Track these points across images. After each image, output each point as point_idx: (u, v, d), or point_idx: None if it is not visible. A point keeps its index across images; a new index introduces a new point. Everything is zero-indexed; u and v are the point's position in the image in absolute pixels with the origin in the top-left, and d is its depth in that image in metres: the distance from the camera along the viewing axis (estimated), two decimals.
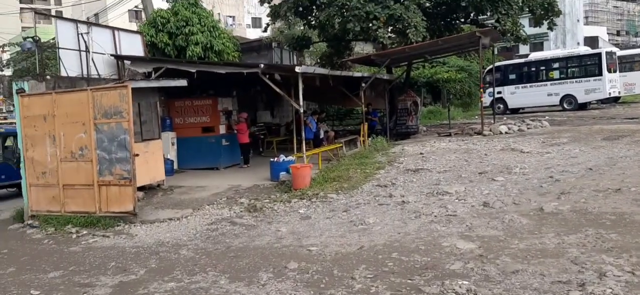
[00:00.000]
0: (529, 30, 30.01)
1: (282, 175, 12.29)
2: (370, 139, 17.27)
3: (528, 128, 16.92)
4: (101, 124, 10.63)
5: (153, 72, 14.04)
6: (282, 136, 20.04)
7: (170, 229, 9.67)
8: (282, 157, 13.02)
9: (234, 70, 13.05)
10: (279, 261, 7.09)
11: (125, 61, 14.82)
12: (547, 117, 20.54)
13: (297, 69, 11.87)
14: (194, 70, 13.14)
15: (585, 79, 27.43)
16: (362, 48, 30.36)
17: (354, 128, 22.79)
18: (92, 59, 14.13)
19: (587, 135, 14.15)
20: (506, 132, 16.34)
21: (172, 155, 15.13)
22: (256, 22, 55.37)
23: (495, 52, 42.78)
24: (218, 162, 15.43)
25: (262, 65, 12.43)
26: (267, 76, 12.57)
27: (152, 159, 12.50)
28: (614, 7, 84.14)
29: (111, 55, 14.81)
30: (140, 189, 12.10)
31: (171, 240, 8.86)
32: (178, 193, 12.39)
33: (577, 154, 11.56)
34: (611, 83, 27.18)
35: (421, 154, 13.55)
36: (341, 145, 16.26)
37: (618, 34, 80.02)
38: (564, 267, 5.61)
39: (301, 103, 12.63)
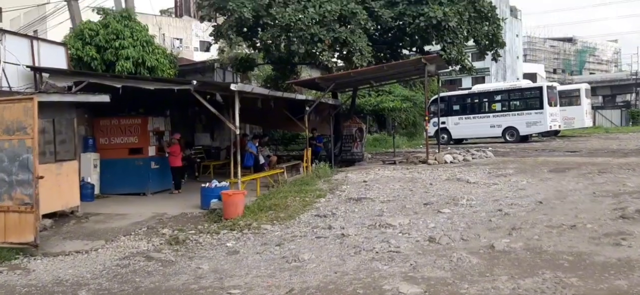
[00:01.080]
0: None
1: (213, 202, 11.17)
2: (313, 165, 16.41)
3: (473, 158, 16.53)
4: (1, 140, 9.23)
5: (74, 87, 12.69)
6: (222, 160, 18.90)
7: (74, 264, 8.34)
8: (214, 183, 11.91)
9: (163, 86, 11.91)
10: None
11: (43, 74, 13.38)
12: (490, 148, 20.31)
13: (233, 87, 10.89)
14: (119, 85, 11.91)
15: (527, 111, 27.76)
16: (309, 73, 29.77)
17: (298, 153, 21.89)
18: (3, 70, 12.63)
19: (532, 167, 13.79)
20: (451, 162, 15.85)
21: (94, 178, 13.71)
22: (204, 45, 54.08)
23: (440, 84, 43.32)
24: (146, 187, 14.11)
25: (194, 82, 11.36)
26: (205, 96, 11.54)
27: (65, 182, 11.10)
28: (551, 46, 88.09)
29: (27, 66, 13.33)
30: (50, 216, 10.72)
31: (72, 278, 7.55)
32: (94, 221, 11.02)
33: (525, 186, 11.06)
34: (552, 116, 27.60)
35: (365, 181, 12.77)
36: (282, 170, 15.29)
37: (554, 71, 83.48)
38: None
39: (237, 124, 11.62)
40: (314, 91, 19.90)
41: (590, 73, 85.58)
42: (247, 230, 9.54)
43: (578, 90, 32.64)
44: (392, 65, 16.43)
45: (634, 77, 65.63)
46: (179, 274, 7.41)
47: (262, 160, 16.80)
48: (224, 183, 11.91)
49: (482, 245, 7.21)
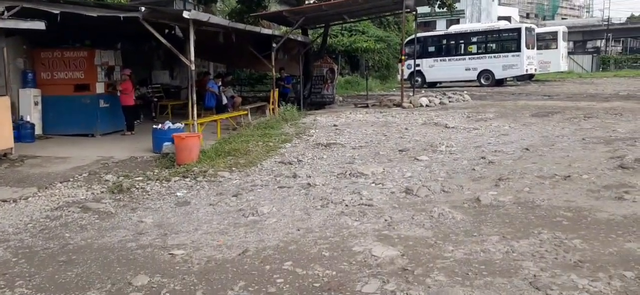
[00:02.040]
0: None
1: (166, 146, 10.01)
2: (281, 107, 15.28)
3: (449, 101, 15.67)
4: None
5: (6, 12, 11.08)
6: (183, 101, 17.54)
7: None
8: (168, 125, 10.71)
9: (107, 13, 10.44)
10: (125, 272, 4.96)
11: None
12: (466, 92, 19.47)
13: (186, 14, 9.56)
14: (57, 11, 10.37)
15: (504, 54, 26.98)
16: (278, 8, 28.10)
17: (265, 95, 20.63)
18: None
19: (513, 111, 12.99)
20: (427, 105, 14.96)
21: (35, 117, 12.32)
22: None
23: (415, 26, 42.07)
24: (94, 127, 12.79)
25: (142, 9, 9.96)
26: (160, 29, 10.16)
27: None
28: None
29: None
30: None
31: None
32: (29, 165, 9.75)
33: (507, 131, 10.22)
34: (529, 60, 26.90)
35: (335, 125, 11.76)
36: (246, 112, 14.13)
37: (528, 16, 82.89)
38: None
39: (192, 59, 10.33)
40: (282, 28, 18.51)
41: (563, 18, 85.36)
42: (202, 177, 8.48)
43: (555, 33, 31.87)
44: None
45: (605, 23, 65.53)
46: (116, 229, 6.35)
47: (224, 101, 15.57)
48: (178, 125, 10.72)
49: (466, 198, 6.31)
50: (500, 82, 27.25)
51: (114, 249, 5.67)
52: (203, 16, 10.09)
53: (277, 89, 16.47)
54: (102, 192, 8.09)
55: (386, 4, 15.85)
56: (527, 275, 4.26)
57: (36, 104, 12.40)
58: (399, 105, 14.87)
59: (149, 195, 7.82)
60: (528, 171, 7.18)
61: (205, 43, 16.90)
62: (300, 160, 8.93)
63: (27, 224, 6.72)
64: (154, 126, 10.84)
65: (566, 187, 6.41)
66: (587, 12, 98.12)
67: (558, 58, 31.22)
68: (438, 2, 18.32)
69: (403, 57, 16.48)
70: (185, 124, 10.89)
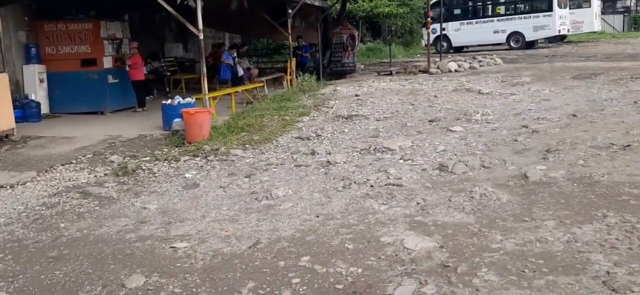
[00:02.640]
0: None
1: (176, 122, 9.31)
2: (298, 78, 14.47)
3: (480, 65, 14.64)
4: None
5: None
6: (197, 74, 16.82)
7: None
8: (178, 99, 10.02)
9: None
10: (119, 270, 4.31)
11: None
12: (495, 55, 18.33)
13: None
14: None
15: (534, 14, 25.55)
16: None
17: (283, 66, 19.80)
18: None
19: (551, 74, 11.98)
20: (456, 70, 13.99)
21: (41, 95, 11.75)
22: None
23: None
24: (103, 104, 12.18)
25: None
26: None
27: None
28: None
29: None
30: None
31: None
32: (31, 147, 9.18)
33: (548, 96, 9.28)
34: (561, 20, 25.45)
35: (356, 96, 10.93)
36: (262, 84, 13.36)
37: None
38: None
39: (200, 27, 9.55)
40: None
41: None
42: (213, 156, 7.79)
43: None
44: None
45: None
46: (116, 217, 5.70)
47: (240, 72, 14.82)
48: (188, 100, 10.02)
49: (510, 174, 5.48)
50: (530, 45, 25.91)
51: (110, 241, 5.02)
52: None
53: (295, 59, 15.64)
54: (106, 174, 7.46)
55: None
56: (598, 271, 3.45)
57: (41, 81, 11.81)
58: (425, 71, 13.93)
59: (155, 177, 7.15)
60: (579, 141, 6.29)
61: (218, 12, 16.15)
62: (319, 135, 8.16)
63: (20, 213, 6.11)
64: (164, 102, 10.15)
65: (627, 159, 5.52)
66: None
67: (591, 17, 29.53)
68: None
69: (429, 20, 15.41)
70: (197, 99, 10.18)
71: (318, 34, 17.17)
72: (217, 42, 19.48)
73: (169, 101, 10.07)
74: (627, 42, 26.36)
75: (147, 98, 13.67)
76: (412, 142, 6.96)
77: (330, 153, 7.14)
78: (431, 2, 29.75)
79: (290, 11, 14.37)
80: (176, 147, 8.62)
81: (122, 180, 7.11)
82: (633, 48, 21.28)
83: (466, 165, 5.82)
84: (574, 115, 7.52)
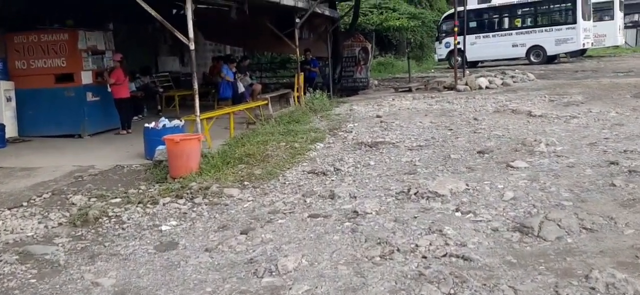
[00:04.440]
0: None
1: (159, 151, 7.56)
2: (307, 95, 12.75)
3: (514, 81, 12.89)
4: None
5: None
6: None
7: None
8: (163, 122, 8.29)
9: None
10: None
11: None
12: (517, 70, 16.55)
13: None
14: None
15: (557, 27, 23.84)
16: None
17: (289, 81, 18.08)
18: None
19: (604, 92, 10.25)
20: (487, 87, 12.26)
21: (7, 116, 10.06)
22: None
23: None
24: (80, 126, 10.45)
25: None
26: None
27: None
28: None
29: None
30: None
31: None
32: None
33: (619, 120, 7.54)
34: (585, 33, 23.71)
35: (378, 116, 9.19)
36: (266, 102, 11.62)
37: None
38: None
39: (191, 35, 7.84)
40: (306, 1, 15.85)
41: None
42: (202, 197, 6.04)
43: (611, 2, 28.31)
44: None
45: None
46: None
47: (241, 89, 13.15)
48: (176, 122, 8.28)
49: (634, 244, 3.68)
50: (552, 59, 24.22)
51: None
52: None
53: (302, 74, 13.93)
54: (61, 224, 5.71)
55: None
56: None
57: (9, 99, 10.13)
58: (451, 88, 12.23)
59: (123, 229, 5.39)
60: None
61: (218, 23, 14.53)
62: (338, 170, 6.39)
63: None
64: (146, 125, 8.41)
65: None
66: None
67: (615, 30, 27.76)
68: None
69: (456, 29, 13.70)
70: (187, 120, 8.46)
71: (328, 47, 15.48)
72: (217, 56, 17.82)
73: (152, 124, 8.33)
74: None
75: (136, 118, 12.00)
76: (467, 184, 5.17)
77: (355, 197, 5.37)
78: (444, 15, 28.28)
79: (297, 20, 12.69)
80: (157, 182, 6.89)
81: (79, 234, 5.36)
82: None
83: (559, 225, 4.03)
84: None
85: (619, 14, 28.27)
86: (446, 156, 6.37)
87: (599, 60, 24.45)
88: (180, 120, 8.38)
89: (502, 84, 12.70)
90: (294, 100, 12.71)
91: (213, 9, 12.97)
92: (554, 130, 7.11)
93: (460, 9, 27.08)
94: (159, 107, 13.82)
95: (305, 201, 5.51)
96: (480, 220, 4.32)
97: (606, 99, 9.28)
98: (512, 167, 5.68)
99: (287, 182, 6.27)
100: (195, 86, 8.08)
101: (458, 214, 4.53)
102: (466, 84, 12.34)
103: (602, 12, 28.07)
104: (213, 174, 6.76)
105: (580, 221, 4.08)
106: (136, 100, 12.47)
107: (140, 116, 12.61)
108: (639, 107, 8.38)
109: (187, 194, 6.19)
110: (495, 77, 13.21)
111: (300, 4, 12.77)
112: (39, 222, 5.74)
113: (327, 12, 14.77)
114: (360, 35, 17.13)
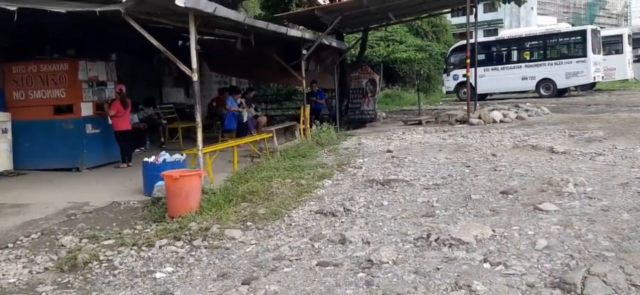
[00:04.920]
0: (482, 16, 25.68)
1: (158, 187, 7.10)
2: (313, 127, 12.34)
3: (529, 115, 12.46)
4: None
5: None
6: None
7: None
8: (163, 156, 7.87)
9: (80, 8, 7.71)
10: None
11: None
12: (528, 104, 16.09)
13: (180, 2, 6.70)
14: (13, 8, 7.69)
15: (567, 60, 23.52)
16: None
17: (295, 113, 17.70)
18: None
19: (626, 127, 9.79)
20: (501, 121, 11.80)
21: (3, 148, 9.66)
22: None
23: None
24: (78, 159, 10.05)
25: (123, 0, 7.21)
26: (153, 30, 7.44)
27: None
28: None
29: None
30: None
31: None
32: None
33: None
34: (596, 66, 23.38)
35: (389, 151, 8.73)
36: (271, 135, 11.21)
37: None
38: None
39: (195, 66, 7.47)
40: (313, 33, 15.61)
41: (601, 27, 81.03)
42: (201, 239, 5.57)
43: (620, 36, 28.08)
44: None
45: None
46: None
47: (244, 118, 12.78)
48: (177, 157, 7.86)
49: None
50: (562, 92, 23.86)
51: None
52: (207, 5, 7.23)
53: (309, 106, 13.55)
54: (47, 268, 5.24)
55: None
56: None
57: (5, 131, 9.74)
58: (464, 121, 11.79)
59: (114, 276, 4.92)
60: None
61: (223, 54, 14.24)
62: (348, 210, 5.91)
63: None
64: (145, 159, 7.98)
65: None
66: (625, 20, 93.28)
67: (624, 64, 27.44)
68: None
69: (468, 61, 13.31)
70: (189, 154, 8.04)
71: (335, 78, 15.13)
72: (223, 87, 17.53)
73: (152, 158, 7.91)
74: None
75: (138, 150, 11.63)
76: (493, 230, 4.67)
77: (368, 242, 4.88)
78: (452, 48, 28.05)
79: (304, 52, 12.37)
80: (155, 222, 6.43)
81: (66, 280, 4.90)
82: None
83: (604, 282, 3.53)
84: None
85: (627, 48, 27.99)
86: (466, 196, 5.88)
87: (610, 94, 24.04)
88: (182, 155, 7.95)
89: (516, 117, 12.25)
90: (300, 133, 12.30)
91: (219, 40, 12.71)
92: (581, 169, 6.63)
93: (470, 41, 26.97)
94: (162, 139, 13.44)
95: (313, 246, 5.03)
96: (513, 274, 3.83)
97: (629, 135, 8.81)
98: (540, 210, 5.19)
99: (293, 224, 5.79)
100: (198, 118, 7.67)
101: (486, 265, 4.03)
102: (479, 117, 11.90)
103: (611, 46, 27.79)
104: (214, 213, 6.29)
105: (628, 277, 3.58)
106: (139, 132, 12.13)
107: (143, 148, 12.24)
108: None
109: (186, 235, 5.72)
110: (509, 110, 12.77)
111: (307, 36, 12.49)
112: (24, 267, 5.28)
113: (334, 44, 14.47)
114: (367, 67, 16.82)
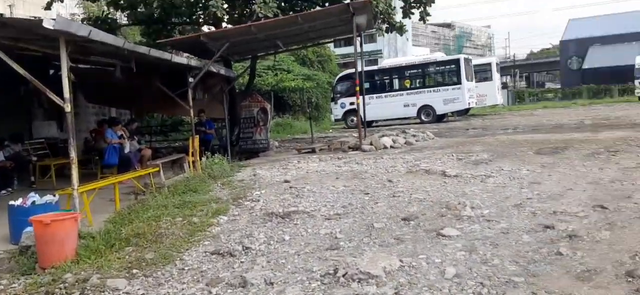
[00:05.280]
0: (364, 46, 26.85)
1: (27, 234, 6.15)
2: (203, 159, 11.70)
3: (416, 140, 12.85)
4: None
5: None
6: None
7: None
8: (32, 198, 6.89)
9: None
10: None
11: None
12: (412, 130, 16.77)
13: (48, 24, 5.94)
14: None
15: (444, 87, 25.03)
16: None
17: (183, 145, 16.83)
18: None
19: (507, 149, 10.39)
20: (392, 146, 12.01)
21: None
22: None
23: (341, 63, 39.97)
24: None
25: None
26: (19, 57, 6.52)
27: None
28: (433, 31, 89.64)
29: None
30: None
31: None
32: None
33: (534, 178, 7.41)
34: (470, 92, 25.12)
35: (286, 182, 8.41)
36: (157, 169, 10.42)
37: None
38: None
39: (67, 95, 6.66)
40: (199, 60, 15.02)
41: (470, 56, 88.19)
42: (79, 293, 4.82)
43: (489, 64, 30.58)
44: (309, 16, 12.05)
45: (511, 60, 68.04)
46: None
47: (127, 149, 11.84)
48: (49, 198, 6.92)
49: None
50: (441, 118, 25.29)
51: None
52: (80, 28, 6.49)
53: (197, 136, 12.89)
54: None
55: (331, 24, 12.85)
56: None
57: None
58: (357, 148, 11.84)
59: None
60: None
61: (101, 83, 13.20)
62: (247, 248, 5.47)
63: None
64: (11, 202, 6.95)
65: None
66: (489, 50, 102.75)
67: (494, 90, 29.84)
68: (386, 25, 15.68)
69: (357, 89, 13.47)
70: (62, 195, 7.13)
71: (224, 107, 14.62)
72: (102, 119, 16.25)
73: (19, 201, 6.90)
74: (531, 114, 26.55)
75: (4, 192, 10.31)
76: (400, 260, 4.50)
77: (272, 283, 4.49)
78: (338, 76, 28.69)
79: (191, 80, 11.77)
80: (23, 275, 5.51)
81: None
82: (547, 119, 21.05)
83: None
84: (603, 207, 5.54)
85: (496, 76, 30.49)
86: (369, 225, 5.71)
87: (483, 119, 25.87)
88: (54, 195, 7.02)
89: (405, 143, 12.59)
90: (190, 166, 11.61)
91: (96, 69, 11.73)
92: (474, 192, 6.78)
93: (352, 71, 27.74)
94: (33, 179, 12.01)
95: (211, 292, 4.53)
96: None
97: (511, 156, 9.30)
98: (443, 235, 5.14)
99: (186, 268, 5.22)
100: (73, 154, 6.85)
101: None
102: (371, 144, 12.04)
103: (481, 74, 30.05)
104: (94, 261, 5.54)
105: None
106: (5, 171, 10.79)
107: (10, 190, 10.85)
108: (546, 163, 8.41)
109: (60, 289, 4.94)
110: (398, 136, 13.11)
111: (193, 62, 11.90)
112: None
113: (222, 71, 13.99)
114: (257, 95, 16.53)
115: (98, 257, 5.62)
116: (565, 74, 55.61)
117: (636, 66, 33.26)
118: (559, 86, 58.22)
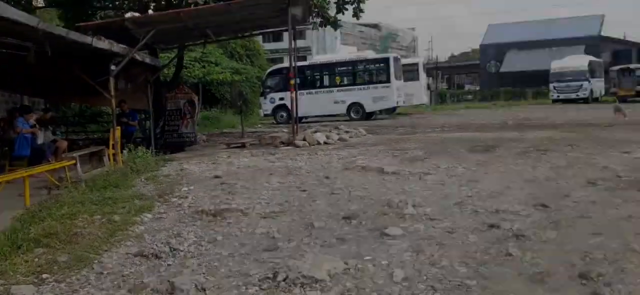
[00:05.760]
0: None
1: None
2: (124, 152, 10.91)
3: (349, 137, 12.70)
4: None
5: None
6: None
7: None
8: None
9: None
10: None
11: None
12: (343, 126, 16.69)
13: None
14: None
15: (374, 85, 25.22)
16: None
17: (103, 137, 15.73)
18: None
19: (440, 146, 10.48)
20: (325, 142, 11.78)
21: None
22: None
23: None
24: None
25: None
26: None
27: None
28: (360, 31, 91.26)
29: None
30: None
31: None
32: None
33: (472, 176, 7.42)
34: (398, 91, 25.45)
35: (217, 177, 7.93)
36: (74, 161, 9.55)
37: None
38: None
39: None
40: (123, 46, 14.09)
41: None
42: None
43: (416, 64, 31.22)
44: (242, 4, 11.50)
45: (433, 62, 70.80)
46: None
47: (40, 140, 10.84)
48: None
49: None
50: (369, 116, 25.43)
51: None
52: None
53: (119, 128, 12.03)
54: None
55: (265, 15, 12.37)
56: None
57: None
58: (290, 143, 11.50)
59: None
60: (610, 250, 4.15)
61: (12, 68, 12.05)
62: (175, 250, 4.99)
63: None
64: None
65: None
66: (413, 52, 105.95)
67: (420, 90, 30.49)
68: (320, 20, 15.42)
69: (292, 82, 13.10)
70: None
71: (149, 98, 13.79)
72: (12, 107, 14.87)
73: None
74: (456, 114, 27.34)
75: None
76: (345, 263, 4.20)
77: (204, 289, 4.06)
78: (268, 71, 28.20)
79: (113, 67, 10.92)
80: None
81: None
82: (471, 119, 21.69)
83: None
84: (544, 206, 5.52)
85: (423, 76, 31.19)
86: (308, 224, 5.39)
87: (410, 117, 26.32)
88: None
89: (338, 139, 12.41)
90: (110, 159, 10.78)
91: (5, 53, 10.65)
92: (414, 189, 6.64)
93: (283, 66, 27.34)
94: None
95: None
96: None
97: (445, 154, 9.32)
98: (387, 235, 4.91)
99: (105, 272, 4.66)
100: None
101: None
102: (304, 139, 11.74)
103: (408, 74, 30.55)
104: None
105: None
106: None
107: None
108: (482, 161, 8.46)
109: None
110: (331, 132, 12.91)
111: (116, 49, 11.06)
112: None
113: (147, 60, 13.15)
114: (185, 86, 15.78)
115: (2, 260, 4.93)
116: (484, 77, 58.11)
117: (551, 71, 35.22)
118: (478, 88, 60.82)
